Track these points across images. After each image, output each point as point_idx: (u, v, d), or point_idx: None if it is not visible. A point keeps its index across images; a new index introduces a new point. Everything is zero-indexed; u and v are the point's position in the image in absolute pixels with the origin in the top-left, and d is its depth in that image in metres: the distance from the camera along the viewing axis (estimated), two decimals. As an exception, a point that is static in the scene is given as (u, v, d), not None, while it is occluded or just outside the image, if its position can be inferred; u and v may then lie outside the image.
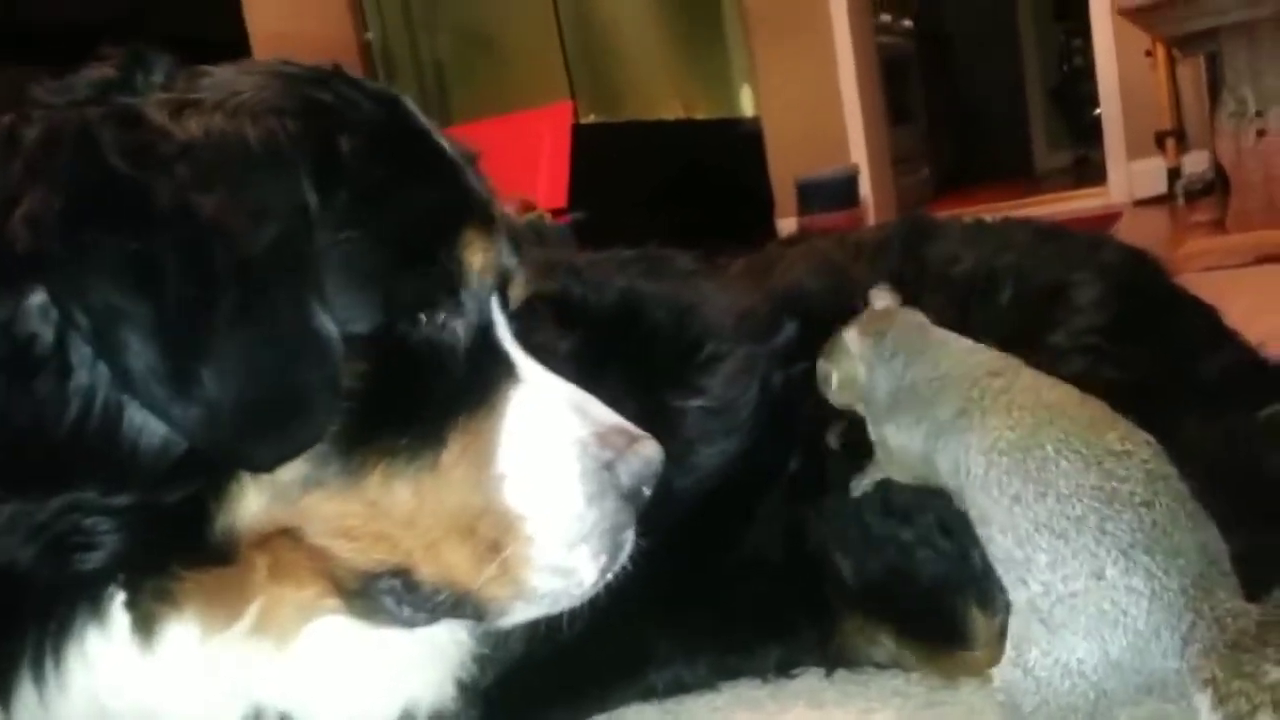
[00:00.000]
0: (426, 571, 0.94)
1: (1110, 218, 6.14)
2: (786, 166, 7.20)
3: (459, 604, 0.95)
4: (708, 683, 1.37)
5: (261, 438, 0.85)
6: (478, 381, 0.97)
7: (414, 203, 0.95)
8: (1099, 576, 0.92)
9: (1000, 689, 0.99)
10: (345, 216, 0.89)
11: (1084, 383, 1.07)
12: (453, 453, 0.93)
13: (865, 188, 7.37)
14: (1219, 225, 4.47)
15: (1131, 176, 7.10)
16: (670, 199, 5.64)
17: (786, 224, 6.97)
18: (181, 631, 0.91)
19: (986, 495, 1.02)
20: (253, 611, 0.94)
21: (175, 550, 0.89)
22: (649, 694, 1.36)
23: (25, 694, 0.89)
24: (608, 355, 1.34)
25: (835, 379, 1.22)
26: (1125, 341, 1.30)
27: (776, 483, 1.36)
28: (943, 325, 1.20)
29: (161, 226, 0.81)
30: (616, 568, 0.98)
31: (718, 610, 1.36)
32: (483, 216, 1.01)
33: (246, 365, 0.82)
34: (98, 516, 0.86)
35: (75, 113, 0.87)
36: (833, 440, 1.30)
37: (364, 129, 0.94)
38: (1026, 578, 0.97)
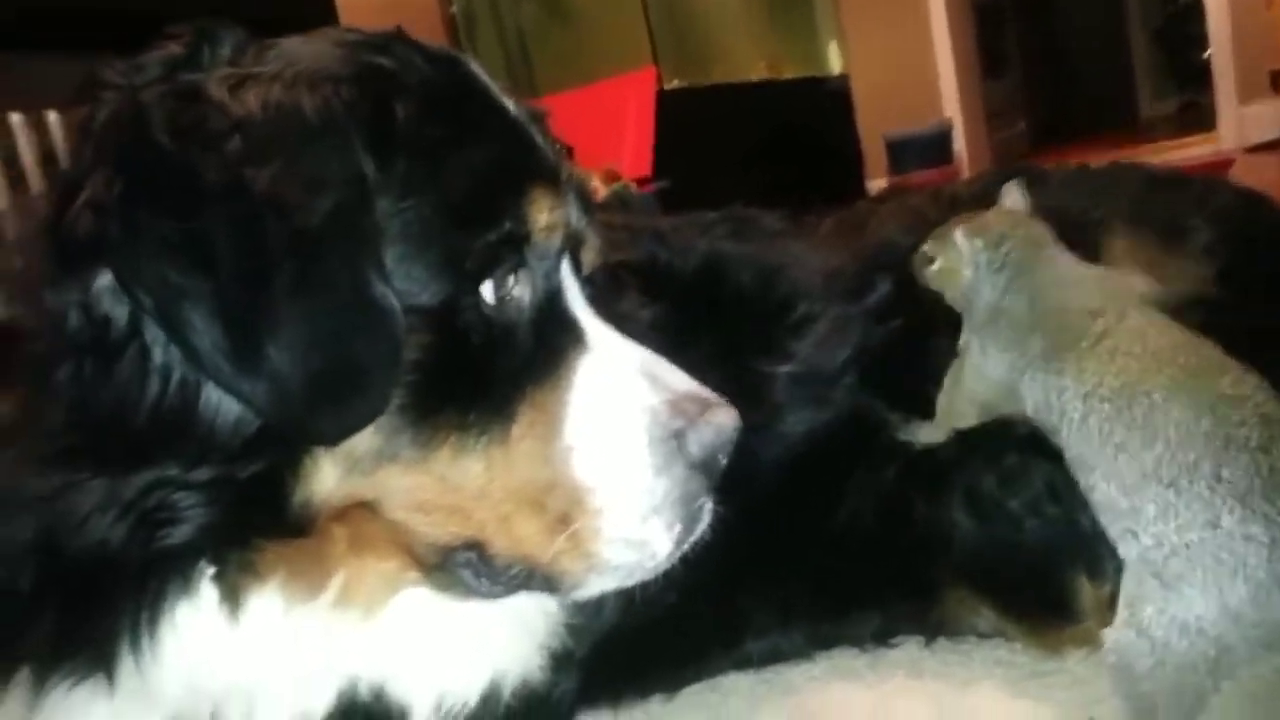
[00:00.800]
0: (499, 545, 0.93)
1: (1222, 165, 5.85)
2: (876, 124, 7.00)
3: (531, 577, 0.95)
4: (804, 652, 1.35)
5: (324, 411, 0.84)
6: (546, 350, 0.95)
7: (475, 164, 0.93)
8: (1214, 525, 0.89)
9: (1112, 650, 0.95)
10: (405, 183, 0.88)
11: (1202, 331, 1.02)
12: (521, 425, 0.92)
13: (959, 143, 7.16)
14: (1342, 168, 4.24)
15: (1244, 121, 6.73)
16: (758, 162, 5.55)
17: (877, 185, 6.81)
18: (265, 603, 0.92)
19: (1086, 442, 0.99)
20: (336, 583, 0.94)
21: (256, 523, 0.90)
22: (745, 663, 1.35)
23: (127, 667, 0.91)
24: (693, 320, 1.32)
25: (938, 266, 1.20)
26: (1243, 288, 1.24)
27: (871, 448, 1.32)
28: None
29: (212, 203, 0.81)
30: (694, 538, 0.96)
31: (814, 579, 1.33)
32: (548, 174, 0.98)
33: (308, 338, 0.82)
34: (181, 491, 0.87)
35: (139, 93, 0.88)
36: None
37: (421, 92, 0.93)
38: (1136, 529, 0.94)
